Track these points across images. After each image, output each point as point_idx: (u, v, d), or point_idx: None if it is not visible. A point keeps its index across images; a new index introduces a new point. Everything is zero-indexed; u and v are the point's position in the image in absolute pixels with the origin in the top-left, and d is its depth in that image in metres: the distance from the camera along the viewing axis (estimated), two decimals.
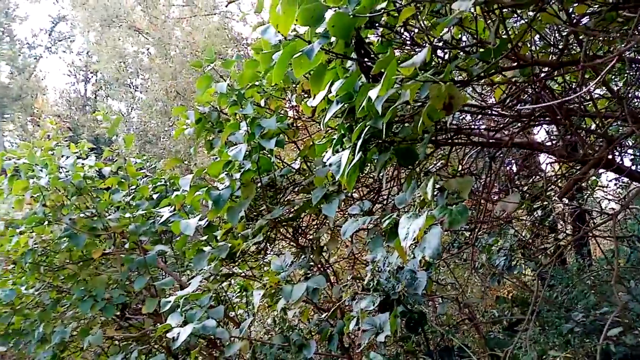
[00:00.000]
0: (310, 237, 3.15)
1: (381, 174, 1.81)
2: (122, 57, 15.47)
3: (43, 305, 3.75)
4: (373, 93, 1.29)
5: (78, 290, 3.49)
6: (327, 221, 2.99)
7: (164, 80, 11.35)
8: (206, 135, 3.23)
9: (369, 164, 2.37)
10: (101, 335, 3.51)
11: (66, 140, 4.07)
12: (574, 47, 2.17)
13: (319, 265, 2.78)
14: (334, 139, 2.03)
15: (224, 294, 3.72)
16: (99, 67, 17.48)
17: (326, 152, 2.14)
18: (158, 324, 3.94)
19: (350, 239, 3.02)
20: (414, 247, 1.52)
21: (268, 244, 3.30)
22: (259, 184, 2.78)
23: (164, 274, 3.82)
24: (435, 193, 1.44)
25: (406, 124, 1.83)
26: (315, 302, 2.55)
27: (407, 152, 1.75)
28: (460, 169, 2.78)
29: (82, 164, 3.57)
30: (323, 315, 2.64)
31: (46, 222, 3.47)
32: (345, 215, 2.80)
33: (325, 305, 2.96)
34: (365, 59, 1.73)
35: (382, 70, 1.37)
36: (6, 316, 3.51)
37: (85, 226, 3.50)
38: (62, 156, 3.61)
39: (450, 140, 2.20)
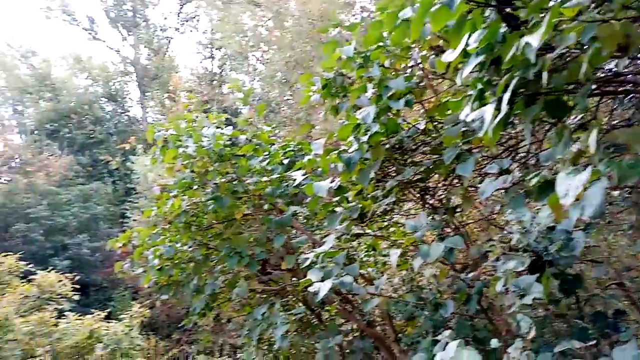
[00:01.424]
0: (439, 198, 3.08)
1: (526, 129, 1.68)
2: (242, 31, 16.14)
3: (195, 261, 4.17)
4: (533, 39, 1.18)
5: (225, 247, 3.83)
6: (459, 181, 2.90)
7: (282, 51, 11.66)
8: (331, 100, 3.28)
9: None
10: (246, 288, 3.83)
11: (205, 112, 4.40)
12: None
13: (452, 226, 2.71)
14: (471, 94, 1.93)
15: (353, 252, 3.82)
16: (222, 43, 18.47)
17: (462, 109, 2.05)
18: (293, 279, 4.20)
19: (483, 200, 2.90)
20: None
21: (395, 205, 3.30)
22: (387, 146, 2.77)
23: (297, 233, 4.02)
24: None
25: (555, 73, 1.67)
26: (452, 262, 2.51)
27: (557, 104, 1.60)
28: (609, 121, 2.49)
29: (221, 133, 3.84)
30: (465, 275, 2.59)
31: (195, 187, 3.82)
32: (480, 175, 2.68)
33: (460, 267, 2.90)
34: (507, 6, 1.60)
35: (532, 15, 1.25)
36: (168, 269, 3.98)
37: (228, 190, 3.79)
38: (204, 127, 3.91)
39: (602, 89, 1.96)
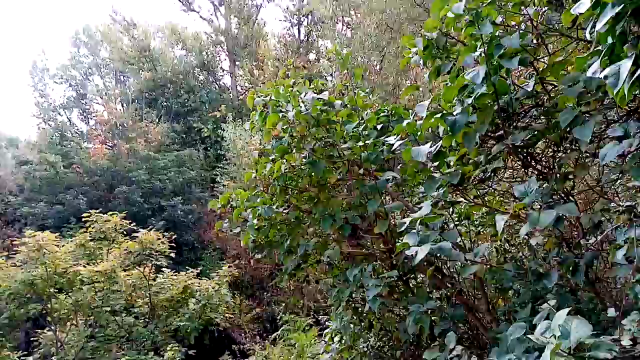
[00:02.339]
0: (546, 165, 2.93)
1: None
2: None
3: (289, 222, 4.33)
4: None
5: (319, 210, 3.93)
6: (571, 147, 2.73)
7: (374, 15, 11.42)
8: (433, 62, 3.19)
9: None
10: (338, 251, 3.92)
11: (302, 79, 4.47)
12: None
13: (563, 194, 2.58)
14: (599, 49, 1.80)
15: (448, 219, 3.76)
16: (313, 7, 18.43)
17: (587, 66, 1.91)
18: (381, 245, 4.24)
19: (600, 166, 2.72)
20: None
21: (493, 174, 3.19)
22: (496, 108, 2.66)
23: (389, 199, 4.03)
24: None
25: None
26: (560, 231, 2.39)
27: None
28: None
29: (318, 98, 3.89)
30: (573, 245, 2.47)
31: (293, 151, 3.94)
32: (596, 139, 2.50)
33: (567, 236, 2.76)
34: None
35: None
36: (265, 229, 4.17)
37: (323, 154, 3.86)
38: (302, 92, 3.98)
39: None
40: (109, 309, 10.93)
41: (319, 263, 4.81)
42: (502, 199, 3.53)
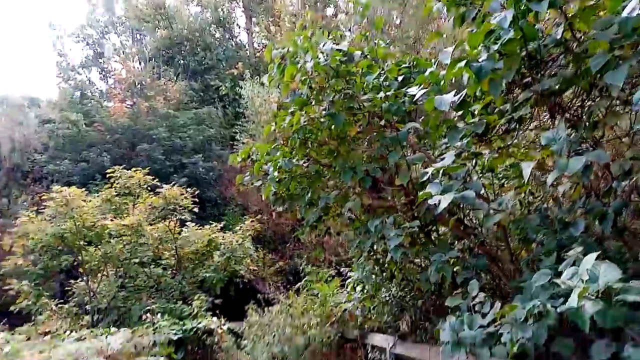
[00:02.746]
0: (575, 112, 2.83)
1: None
2: None
3: (310, 175, 4.33)
4: None
5: (339, 163, 3.91)
6: (600, 95, 2.62)
7: None
8: (457, 9, 3.06)
9: None
10: (359, 202, 3.93)
11: (320, 29, 4.34)
12: None
13: (592, 142, 2.50)
14: None
15: (471, 171, 3.71)
16: None
17: (622, 8, 1.80)
18: (402, 197, 4.23)
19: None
20: None
21: (519, 123, 3.10)
22: (523, 54, 2.56)
23: (410, 151, 3.98)
24: None
25: None
26: (588, 179, 2.33)
27: None
28: None
29: (338, 49, 3.79)
30: (601, 193, 2.42)
31: (312, 103, 3.88)
32: (628, 86, 2.40)
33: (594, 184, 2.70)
34: None
35: None
36: (286, 182, 4.19)
37: (343, 106, 3.80)
38: (320, 43, 3.87)
39: None
40: (137, 260, 11.29)
41: (339, 216, 4.84)
42: (527, 150, 3.45)
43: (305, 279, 7.56)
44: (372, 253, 4.45)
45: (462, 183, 2.76)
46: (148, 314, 8.64)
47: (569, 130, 2.52)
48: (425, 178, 2.83)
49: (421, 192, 2.75)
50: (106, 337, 7.50)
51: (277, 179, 4.14)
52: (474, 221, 3.78)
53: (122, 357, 6.39)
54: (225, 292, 12.14)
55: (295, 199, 4.63)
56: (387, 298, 4.94)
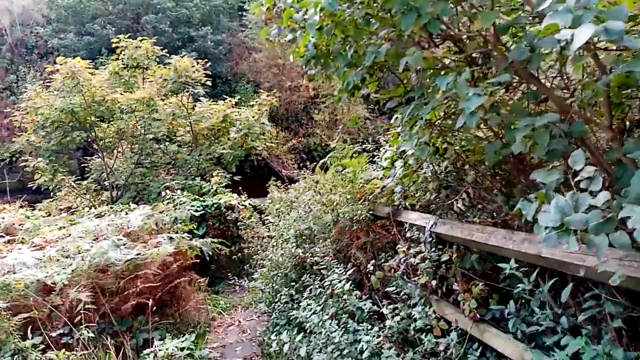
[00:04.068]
0: None
1: None
2: None
3: (355, 23, 3.39)
4: None
5: (397, 3, 2.95)
6: None
7: None
8: None
9: None
10: (420, 55, 3.04)
11: None
12: None
13: None
14: None
15: None
16: None
17: None
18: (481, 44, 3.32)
19: None
20: None
21: None
22: None
23: None
24: None
25: None
26: None
27: None
28: None
29: None
30: None
31: None
32: None
33: None
34: None
35: None
36: (329, 28, 3.26)
37: None
38: None
39: None
40: (151, 136, 10.69)
41: (380, 80, 4.00)
42: None
43: (329, 155, 6.90)
44: (426, 121, 3.67)
45: (597, 12, 1.88)
46: (167, 190, 8.22)
47: None
48: (545, 5, 1.94)
49: (543, 24, 1.87)
50: (126, 213, 7.15)
51: (317, 26, 3.21)
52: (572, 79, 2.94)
53: (143, 234, 6.02)
54: (240, 169, 11.69)
55: (334, 56, 3.75)
56: (431, 173, 4.29)
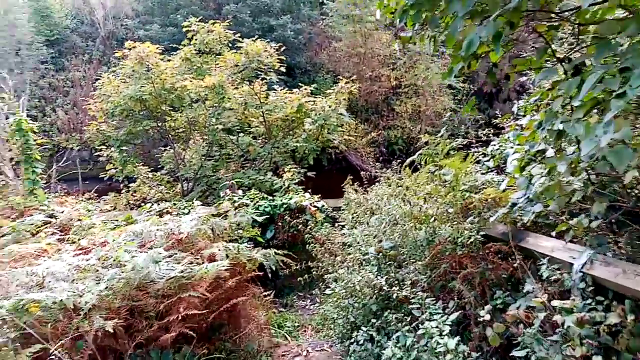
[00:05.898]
0: None
1: None
2: None
3: None
4: None
5: None
6: None
7: None
8: None
9: None
10: None
11: None
12: None
13: None
14: None
15: None
16: None
17: None
18: None
19: None
20: None
21: None
22: None
23: None
24: None
25: None
26: None
27: None
28: None
29: None
30: None
31: None
32: None
33: None
34: None
35: None
36: None
37: None
38: None
39: None
40: (222, 126, 9.73)
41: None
42: None
43: (418, 152, 5.34)
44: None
45: None
46: (227, 190, 7.09)
47: None
48: None
49: None
50: (188, 212, 6.18)
51: None
52: None
53: (197, 240, 4.93)
54: (317, 163, 10.37)
55: (447, 2, 2.28)
56: (596, 188, 2.69)
